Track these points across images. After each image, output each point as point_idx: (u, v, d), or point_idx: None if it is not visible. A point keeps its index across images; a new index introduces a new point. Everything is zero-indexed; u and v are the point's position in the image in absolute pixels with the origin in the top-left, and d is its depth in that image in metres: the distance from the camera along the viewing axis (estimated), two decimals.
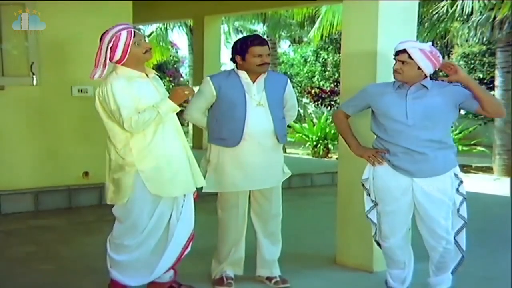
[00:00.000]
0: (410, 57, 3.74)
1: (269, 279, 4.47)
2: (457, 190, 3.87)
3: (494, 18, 11.97)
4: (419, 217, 3.92)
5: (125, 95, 3.66)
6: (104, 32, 3.72)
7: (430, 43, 3.92)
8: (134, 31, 3.72)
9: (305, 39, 21.81)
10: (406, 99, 3.80)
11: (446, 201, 3.84)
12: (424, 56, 3.74)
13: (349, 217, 4.90)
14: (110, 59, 3.70)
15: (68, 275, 4.64)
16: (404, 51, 3.76)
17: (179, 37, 23.22)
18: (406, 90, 3.82)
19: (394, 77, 3.87)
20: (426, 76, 3.82)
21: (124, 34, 3.66)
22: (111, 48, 3.66)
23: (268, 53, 4.22)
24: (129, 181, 3.76)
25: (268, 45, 4.27)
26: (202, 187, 4.19)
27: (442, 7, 12.85)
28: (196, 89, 4.29)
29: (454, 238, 3.93)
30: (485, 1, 11.91)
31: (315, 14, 16.43)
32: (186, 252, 4.00)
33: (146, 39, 3.83)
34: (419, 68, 3.74)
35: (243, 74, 4.22)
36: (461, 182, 3.89)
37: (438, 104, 3.77)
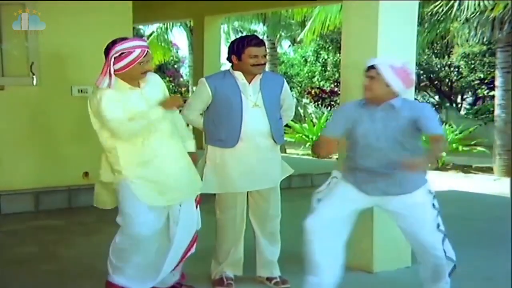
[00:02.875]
0: (379, 73, 3.63)
1: (269, 279, 4.47)
2: (433, 205, 3.79)
3: (494, 18, 11.98)
4: (405, 236, 3.89)
5: (115, 106, 3.66)
6: (121, 40, 3.72)
7: (404, 61, 3.76)
8: (147, 51, 3.74)
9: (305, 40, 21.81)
10: (374, 119, 3.67)
11: (427, 217, 3.76)
12: (394, 73, 3.60)
13: None
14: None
15: (68, 276, 4.64)
16: (373, 66, 3.67)
17: (179, 37, 23.23)
18: (375, 109, 3.68)
19: (364, 94, 3.75)
20: (396, 95, 3.66)
21: (137, 52, 3.68)
22: (116, 57, 3.66)
23: (264, 54, 4.21)
24: (118, 188, 3.77)
25: (265, 46, 4.26)
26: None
27: (441, 6, 12.84)
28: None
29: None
30: (481, 1, 11.91)
31: (308, 16, 16.38)
32: (189, 254, 4.00)
33: (151, 62, 3.86)
34: (388, 85, 3.61)
35: (239, 75, 4.22)
36: (434, 196, 3.81)
37: (407, 125, 3.63)
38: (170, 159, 3.86)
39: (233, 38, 23.87)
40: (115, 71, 3.69)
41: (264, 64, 4.23)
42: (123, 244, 3.86)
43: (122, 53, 3.67)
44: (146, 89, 3.83)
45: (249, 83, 4.21)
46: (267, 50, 4.35)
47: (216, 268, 4.45)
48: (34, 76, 6.76)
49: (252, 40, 4.21)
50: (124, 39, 3.75)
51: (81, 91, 7.08)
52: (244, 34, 24.44)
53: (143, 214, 3.77)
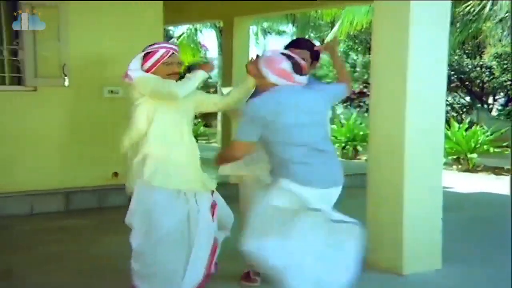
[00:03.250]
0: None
1: None
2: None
3: None
4: None
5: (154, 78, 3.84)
6: (153, 43, 3.94)
7: (275, 49, 3.73)
8: (172, 52, 3.88)
9: None
10: None
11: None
12: (263, 63, 3.59)
13: (379, 219, 4.85)
14: (141, 65, 3.88)
15: (98, 275, 4.69)
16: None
17: (208, 38, 23.31)
18: None
19: None
20: (275, 85, 3.56)
21: (161, 52, 3.85)
22: (143, 58, 3.87)
23: (302, 57, 4.13)
24: (134, 171, 3.92)
25: (306, 50, 4.18)
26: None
27: (473, 6, 12.70)
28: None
29: None
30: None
31: (337, 16, 16.31)
32: (213, 266, 3.96)
33: (179, 65, 3.98)
34: (263, 75, 3.59)
35: None
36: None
37: None
38: (187, 154, 3.91)
39: (261, 39, 23.89)
40: (147, 71, 3.84)
41: None
42: (142, 247, 3.83)
43: (148, 53, 3.85)
44: None
45: None
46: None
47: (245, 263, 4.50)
48: (65, 77, 6.82)
49: (294, 41, 4.34)
50: (156, 43, 3.98)
51: (112, 92, 7.14)
52: (273, 35, 24.40)
53: (162, 203, 3.76)
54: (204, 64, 4.07)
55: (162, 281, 3.80)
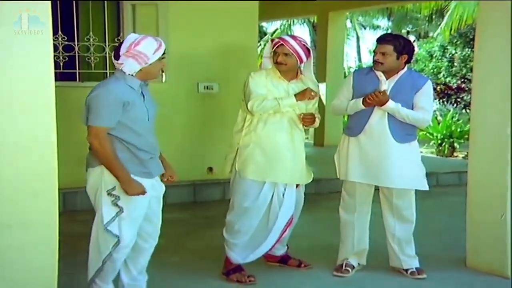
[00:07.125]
0: None
1: (405, 270, 4.56)
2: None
3: None
4: None
5: (258, 84, 4.26)
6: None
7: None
8: (281, 43, 4.30)
9: (431, 34, 21.17)
10: None
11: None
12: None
13: (481, 218, 4.69)
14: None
15: (196, 267, 4.78)
16: None
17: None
18: None
19: None
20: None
21: (274, 41, 4.39)
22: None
23: (382, 52, 4.22)
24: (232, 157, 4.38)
25: (389, 45, 4.22)
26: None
27: None
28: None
29: None
30: None
31: (444, 8, 15.87)
32: (284, 235, 4.44)
33: (285, 56, 4.36)
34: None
35: (380, 73, 4.31)
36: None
37: None
38: (284, 144, 4.24)
39: (353, 33, 23.60)
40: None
41: (380, 62, 4.23)
42: (232, 218, 4.36)
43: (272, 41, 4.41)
44: (293, 86, 4.30)
45: (387, 79, 4.28)
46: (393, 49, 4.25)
47: (341, 256, 4.63)
48: (163, 73, 6.97)
49: (378, 37, 4.37)
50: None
51: (207, 87, 7.24)
52: (367, 29, 24.08)
53: (253, 189, 4.24)
54: (303, 92, 4.25)
55: (242, 247, 4.36)
